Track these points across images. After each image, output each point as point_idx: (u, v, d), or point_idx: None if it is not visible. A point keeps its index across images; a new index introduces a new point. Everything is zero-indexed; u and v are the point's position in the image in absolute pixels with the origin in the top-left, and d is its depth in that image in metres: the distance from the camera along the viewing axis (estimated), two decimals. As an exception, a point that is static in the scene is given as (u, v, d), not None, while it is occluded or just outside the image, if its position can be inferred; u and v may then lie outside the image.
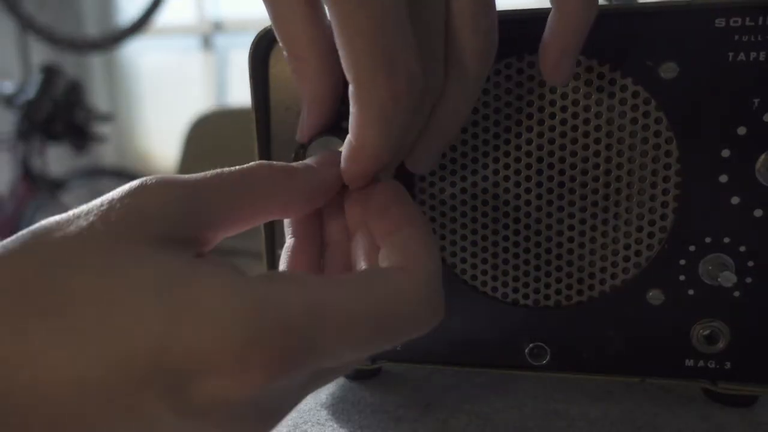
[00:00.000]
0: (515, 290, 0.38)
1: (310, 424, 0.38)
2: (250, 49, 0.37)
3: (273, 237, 0.41)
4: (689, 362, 0.36)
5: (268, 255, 0.41)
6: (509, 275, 0.37)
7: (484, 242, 0.37)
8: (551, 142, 0.35)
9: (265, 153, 0.39)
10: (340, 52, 0.26)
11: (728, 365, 0.36)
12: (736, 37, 0.33)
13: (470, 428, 0.37)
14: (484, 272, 0.38)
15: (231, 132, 1.68)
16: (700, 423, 0.37)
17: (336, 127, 0.34)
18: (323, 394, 0.42)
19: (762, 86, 0.33)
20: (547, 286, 0.37)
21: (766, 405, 0.39)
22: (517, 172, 0.36)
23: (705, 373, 0.37)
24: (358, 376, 0.43)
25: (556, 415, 0.38)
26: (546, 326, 0.38)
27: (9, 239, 0.22)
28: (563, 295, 0.37)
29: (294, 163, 0.29)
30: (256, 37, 0.37)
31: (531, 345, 0.38)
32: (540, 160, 0.35)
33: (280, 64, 0.38)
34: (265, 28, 0.37)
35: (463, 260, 0.38)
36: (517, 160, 0.36)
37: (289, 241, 0.31)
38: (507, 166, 0.36)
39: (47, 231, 0.22)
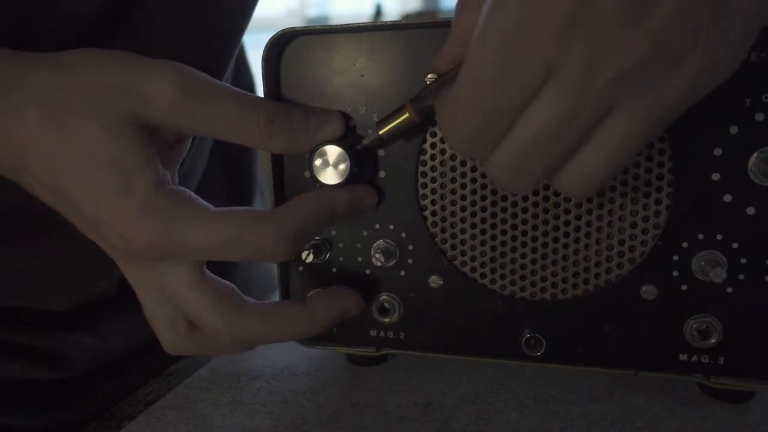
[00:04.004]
0: (513, 283, 0.39)
1: (310, 424, 0.39)
2: (264, 52, 0.39)
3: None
4: (683, 357, 0.37)
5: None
6: (507, 268, 0.38)
7: (483, 236, 0.38)
8: (548, 140, 0.36)
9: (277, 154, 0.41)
10: None
11: (721, 360, 0.37)
12: (728, 39, 0.34)
13: (470, 428, 0.38)
14: (483, 265, 0.39)
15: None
16: (700, 423, 0.37)
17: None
18: (323, 394, 0.42)
19: (753, 86, 0.34)
20: (544, 279, 0.38)
21: (766, 405, 0.39)
22: (516, 168, 0.37)
23: (698, 367, 0.37)
24: (364, 361, 0.45)
25: (556, 415, 0.39)
26: (542, 318, 0.39)
27: None
28: (559, 289, 0.38)
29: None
30: (269, 40, 0.39)
31: (527, 336, 0.39)
32: (537, 157, 0.37)
33: (292, 67, 0.40)
34: (278, 32, 0.39)
35: (463, 253, 0.39)
36: (516, 157, 0.37)
37: None
38: (505, 163, 0.37)
39: None
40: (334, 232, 0.41)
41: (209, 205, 0.34)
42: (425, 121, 0.34)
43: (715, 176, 0.35)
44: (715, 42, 0.24)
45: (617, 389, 0.41)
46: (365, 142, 0.37)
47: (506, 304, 0.39)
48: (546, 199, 0.37)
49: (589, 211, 0.37)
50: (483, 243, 0.38)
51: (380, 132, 0.35)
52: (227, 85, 0.35)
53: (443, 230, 0.39)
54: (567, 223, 0.37)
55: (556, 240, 0.37)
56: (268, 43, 0.39)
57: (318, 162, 0.37)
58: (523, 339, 0.39)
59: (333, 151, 0.37)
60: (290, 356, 0.47)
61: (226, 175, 0.60)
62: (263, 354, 0.48)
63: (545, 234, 0.37)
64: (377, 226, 0.40)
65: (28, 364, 0.48)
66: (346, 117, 0.38)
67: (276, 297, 0.45)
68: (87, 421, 0.42)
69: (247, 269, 0.61)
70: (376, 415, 0.40)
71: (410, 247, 0.40)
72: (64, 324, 0.48)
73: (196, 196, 0.34)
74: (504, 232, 0.38)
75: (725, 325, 0.36)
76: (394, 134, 0.35)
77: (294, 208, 0.35)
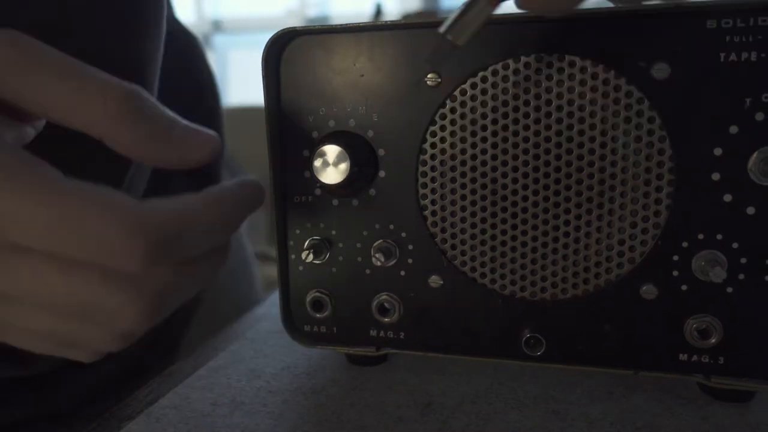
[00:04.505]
0: (513, 283, 0.39)
1: (310, 424, 0.39)
2: (264, 52, 0.39)
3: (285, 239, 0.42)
4: (683, 356, 0.37)
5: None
6: (507, 268, 0.38)
7: (483, 236, 0.38)
8: (547, 140, 0.36)
9: (277, 152, 0.41)
10: None
11: (721, 360, 0.37)
12: (728, 38, 0.34)
13: (470, 428, 0.38)
14: (483, 264, 0.39)
15: (230, 132, 1.72)
16: (700, 423, 0.37)
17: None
18: (323, 394, 0.42)
19: (753, 86, 0.34)
20: (544, 279, 0.38)
21: (766, 405, 0.39)
22: (515, 168, 0.37)
23: (698, 367, 0.37)
24: (364, 361, 0.45)
25: (556, 415, 0.39)
26: (542, 318, 0.39)
27: None
28: (559, 289, 0.38)
29: None
30: (269, 40, 0.39)
31: (527, 336, 0.39)
32: (537, 157, 0.37)
33: (292, 67, 0.40)
34: (278, 32, 0.39)
35: (463, 253, 0.39)
36: (515, 157, 0.37)
37: None
38: (505, 163, 0.37)
39: None
40: (334, 232, 0.41)
41: (61, 174, 0.26)
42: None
43: (715, 176, 0.35)
44: None
45: (617, 389, 0.41)
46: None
47: (506, 304, 0.39)
48: (546, 199, 0.37)
49: (589, 211, 0.37)
50: (483, 243, 0.38)
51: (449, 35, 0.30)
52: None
53: (443, 230, 0.39)
54: (567, 223, 0.37)
55: (556, 240, 0.37)
56: (268, 43, 0.39)
57: (318, 162, 0.37)
58: (523, 339, 0.39)
59: (333, 151, 0.37)
60: (290, 356, 0.47)
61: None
62: (263, 353, 0.48)
63: (545, 234, 0.37)
64: (377, 226, 0.40)
65: None
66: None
67: (252, 315, 0.43)
68: (75, 413, 0.41)
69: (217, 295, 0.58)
70: (376, 415, 0.39)
71: (410, 247, 0.40)
72: None
73: (51, 167, 0.26)
74: (504, 232, 0.38)
75: (725, 325, 0.36)
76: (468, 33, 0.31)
77: (171, 211, 0.27)
